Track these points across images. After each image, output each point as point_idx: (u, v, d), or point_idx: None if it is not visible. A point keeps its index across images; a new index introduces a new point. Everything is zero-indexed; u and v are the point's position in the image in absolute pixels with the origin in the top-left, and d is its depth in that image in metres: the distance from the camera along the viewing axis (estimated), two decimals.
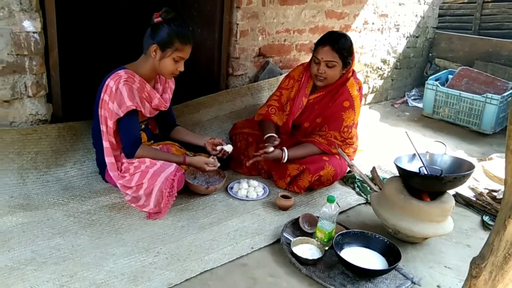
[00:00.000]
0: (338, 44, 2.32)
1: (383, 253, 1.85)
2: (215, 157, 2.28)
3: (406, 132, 2.26)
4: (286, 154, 2.34)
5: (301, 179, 2.35)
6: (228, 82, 3.09)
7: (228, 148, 2.33)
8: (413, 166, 2.08)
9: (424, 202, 1.93)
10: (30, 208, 1.98)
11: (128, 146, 2.11)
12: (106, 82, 2.05)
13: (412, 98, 4.54)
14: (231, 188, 2.34)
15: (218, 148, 2.33)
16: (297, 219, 2.06)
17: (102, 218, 1.99)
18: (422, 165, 2.01)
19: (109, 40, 3.22)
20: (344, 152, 2.38)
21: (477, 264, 1.19)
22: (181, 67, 2.14)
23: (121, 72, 2.06)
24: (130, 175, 2.07)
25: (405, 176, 1.99)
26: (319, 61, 2.34)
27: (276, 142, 2.35)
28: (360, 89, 2.48)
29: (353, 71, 2.50)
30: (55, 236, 1.82)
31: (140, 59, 2.16)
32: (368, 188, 2.42)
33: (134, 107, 2.05)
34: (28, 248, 1.72)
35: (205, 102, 2.91)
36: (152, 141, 2.35)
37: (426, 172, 1.92)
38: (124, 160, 2.11)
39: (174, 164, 2.07)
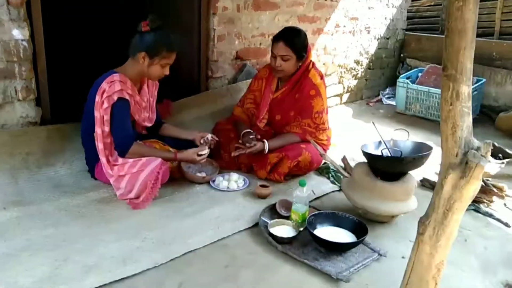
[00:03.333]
0: (291, 40, 2.55)
1: (352, 231, 2.02)
2: (204, 145, 2.44)
3: (372, 122, 2.46)
4: (267, 145, 2.53)
5: (280, 166, 2.52)
6: (208, 84, 3.26)
7: (209, 136, 2.50)
8: (378, 152, 2.27)
9: (388, 182, 2.11)
10: (23, 203, 2.09)
11: (121, 145, 2.23)
12: (101, 86, 2.18)
13: (386, 96, 4.76)
14: (213, 181, 2.49)
15: (201, 140, 2.50)
16: (274, 205, 2.22)
17: (92, 210, 2.12)
18: (386, 148, 2.19)
19: (93, 45, 3.38)
20: (319, 139, 2.58)
21: (422, 222, 1.37)
22: (167, 72, 2.32)
23: (116, 76, 2.20)
24: (119, 166, 2.21)
25: (370, 159, 2.17)
26: (275, 56, 2.56)
27: (252, 136, 2.53)
28: (322, 77, 2.70)
29: (313, 63, 2.73)
30: (48, 226, 1.94)
31: (127, 63, 2.31)
32: (342, 177, 2.60)
33: (127, 97, 2.19)
34: (23, 237, 1.84)
35: (187, 103, 3.06)
36: (138, 140, 2.49)
37: (388, 154, 2.11)
38: (110, 159, 2.24)
39: (160, 159, 2.22)
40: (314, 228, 2.01)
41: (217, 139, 2.57)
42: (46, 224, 1.96)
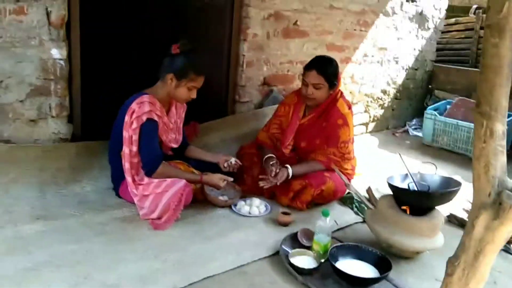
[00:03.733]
0: (323, 68, 2.56)
1: (375, 265, 1.96)
2: (228, 178, 2.44)
3: (399, 154, 2.42)
4: (290, 170, 2.51)
5: (303, 194, 2.50)
6: (235, 108, 3.30)
7: (233, 160, 2.52)
8: (404, 185, 2.22)
9: (414, 217, 2.05)
10: (49, 218, 2.13)
11: (149, 164, 2.26)
12: (131, 106, 2.23)
13: (413, 127, 4.69)
14: (235, 205, 2.49)
15: (225, 164, 2.51)
16: (296, 234, 2.19)
17: (115, 228, 2.13)
18: (413, 182, 2.15)
19: (126, 66, 3.50)
20: (343, 168, 2.55)
21: (451, 262, 1.32)
22: (194, 95, 2.36)
23: (145, 97, 2.26)
24: (144, 186, 2.24)
25: (396, 192, 2.13)
26: (307, 84, 2.57)
27: (273, 162, 2.55)
28: (349, 107, 2.70)
29: (341, 92, 2.73)
30: (71, 242, 1.96)
31: (157, 85, 2.37)
32: (365, 207, 2.55)
33: (155, 118, 2.24)
34: (45, 252, 1.87)
35: (214, 126, 3.10)
36: (163, 161, 2.52)
37: (415, 188, 2.06)
38: (136, 178, 2.27)
39: (184, 181, 2.23)
40: (336, 260, 1.96)
41: (240, 163, 2.58)
42: (69, 239, 1.99)
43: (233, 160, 2.55)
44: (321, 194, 2.50)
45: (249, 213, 2.43)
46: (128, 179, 2.26)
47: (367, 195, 2.50)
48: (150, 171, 2.27)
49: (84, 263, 1.83)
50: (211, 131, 3.06)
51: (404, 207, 2.07)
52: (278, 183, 2.48)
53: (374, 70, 4.21)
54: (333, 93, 2.63)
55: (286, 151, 2.67)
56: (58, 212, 2.21)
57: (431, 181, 2.21)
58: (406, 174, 2.27)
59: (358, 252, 2.02)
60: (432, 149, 4.12)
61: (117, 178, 2.40)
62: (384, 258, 1.96)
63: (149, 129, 2.27)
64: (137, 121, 2.23)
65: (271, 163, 2.56)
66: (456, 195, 2.07)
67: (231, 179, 2.44)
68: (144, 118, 2.23)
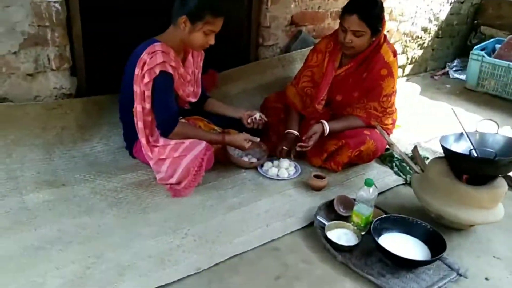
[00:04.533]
0: (367, 13, 2.10)
1: (425, 241, 1.72)
2: (255, 137, 2.17)
3: (452, 109, 2.08)
4: (327, 127, 2.20)
5: (339, 155, 2.21)
6: (258, 53, 2.94)
7: (257, 115, 2.24)
8: (460, 147, 1.90)
9: (473, 186, 1.76)
10: (56, 184, 1.93)
11: (165, 124, 2.00)
12: (141, 57, 1.93)
13: (454, 69, 4.24)
14: (261, 166, 2.23)
15: (249, 120, 2.24)
16: (332, 201, 1.94)
17: (129, 196, 1.93)
18: (472, 146, 1.83)
19: (133, 9, 3.09)
20: (383, 124, 2.24)
21: None
22: (212, 40, 2.01)
23: (158, 46, 1.94)
24: (159, 148, 2.00)
25: (452, 158, 1.82)
26: (345, 30, 2.14)
27: (284, 147, 2.27)
28: (395, 54, 2.28)
29: (385, 36, 2.29)
30: (82, 214, 1.77)
31: (168, 30, 2.03)
32: (408, 168, 2.27)
33: (170, 70, 1.95)
34: (54, 226, 1.68)
35: (233, 74, 2.79)
36: (181, 117, 2.25)
37: (477, 155, 1.74)
38: (151, 139, 2.02)
39: (204, 142, 1.97)
40: (380, 235, 1.72)
41: (266, 119, 2.28)
42: (79, 211, 1.79)
43: (257, 115, 2.26)
44: (360, 155, 2.20)
45: (277, 175, 2.18)
46: (142, 140, 2.01)
47: (409, 153, 2.20)
48: (166, 131, 2.01)
49: (96, 239, 1.64)
50: (231, 81, 2.76)
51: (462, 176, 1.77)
52: (308, 147, 2.18)
53: (415, 5, 3.70)
54: (375, 40, 2.22)
55: (319, 107, 2.31)
56: (67, 177, 2.00)
57: (492, 143, 1.88)
58: (461, 134, 1.94)
59: (405, 225, 1.78)
60: (476, 95, 3.73)
61: (130, 137, 2.15)
62: (436, 233, 1.71)
63: (163, 83, 1.97)
64: (149, 74, 1.92)
65: (281, 148, 2.25)
66: None
67: (258, 139, 2.16)
68: (157, 70, 1.92)
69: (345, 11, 2.15)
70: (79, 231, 1.67)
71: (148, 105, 1.98)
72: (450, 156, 1.82)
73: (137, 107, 1.97)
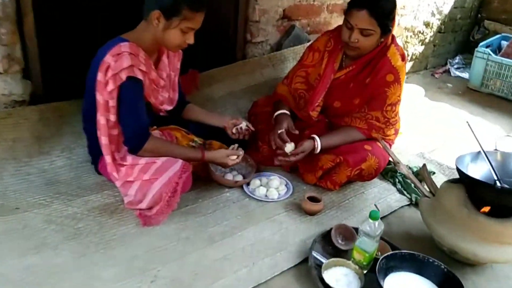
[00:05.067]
0: (378, 8, 1.81)
1: (439, 283, 1.47)
2: (236, 147, 1.91)
3: (467, 122, 1.81)
4: (318, 144, 1.92)
5: (336, 174, 1.94)
6: (246, 51, 2.69)
7: (243, 125, 1.97)
8: (478, 168, 1.66)
9: (496, 220, 1.51)
10: (4, 211, 1.63)
11: (134, 139, 1.71)
12: (104, 59, 1.62)
13: (455, 66, 4.00)
14: (247, 184, 1.95)
15: (234, 130, 1.97)
16: (329, 231, 1.68)
17: (90, 225, 1.64)
18: (491, 169, 1.57)
19: (99, 1, 2.75)
20: (385, 135, 1.99)
21: None
22: (190, 39, 1.70)
23: (124, 46, 1.62)
24: (127, 168, 1.71)
25: (471, 185, 1.56)
26: (352, 27, 1.85)
27: (282, 130, 1.93)
28: (403, 57, 1.99)
29: (393, 36, 2.01)
30: (31, 252, 1.48)
31: (139, 27, 1.72)
32: (413, 185, 2.01)
33: (139, 75, 1.65)
34: None
35: (217, 75, 2.54)
36: (155, 127, 1.95)
37: (503, 186, 1.48)
38: (117, 157, 1.72)
39: (180, 161, 1.68)
40: (386, 275, 1.47)
41: (253, 128, 2.01)
42: (28, 248, 1.50)
43: (243, 124, 1.98)
44: (360, 174, 1.92)
45: (266, 196, 1.91)
46: (107, 158, 1.71)
47: (412, 166, 1.94)
48: (135, 148, 1.72)
49: (46, 286, 1.35)
50: (215, 82, 2.49)
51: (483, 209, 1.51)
52: (292, 160, 1.90)
53: None
54: (383, 41, 1.92)
55: (313, 114, 2.02)
56: (18, 200, 1.71)
57: None
58: (478, 152, 1.69)
59: (415, 263, 1.53)
60: (480, 95, 3.52)
61: (95, 150, 1.83)
62: (451, 276, 1.46)
63: (131, 91, 1.66)
64: (113, 80, 1.62)
65: (279, 131, 1.93)
66: None
67: (242, 153, 1.88)
68: (124, 76, 1.61)
69: (353, 5, 1.84)
70: (25, 277, 1.38)
71: (113, 117, 1.68)
72: (470, 183, 1.56)
73: (100, 119, 1.67)
